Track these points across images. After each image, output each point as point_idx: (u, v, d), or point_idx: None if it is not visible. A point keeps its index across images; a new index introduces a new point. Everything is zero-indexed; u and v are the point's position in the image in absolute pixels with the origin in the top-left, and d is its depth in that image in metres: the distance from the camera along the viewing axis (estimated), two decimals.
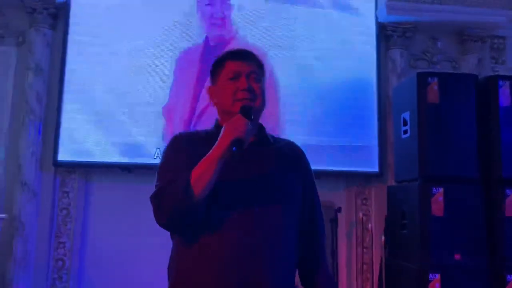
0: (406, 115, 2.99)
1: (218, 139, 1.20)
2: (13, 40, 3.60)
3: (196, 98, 3.61)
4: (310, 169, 1.46)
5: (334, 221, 3.51)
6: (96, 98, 3.53)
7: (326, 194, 4.00)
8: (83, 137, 3.47)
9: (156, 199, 1.21)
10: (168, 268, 1.35)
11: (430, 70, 3.89)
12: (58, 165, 3.48)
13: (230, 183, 1.24)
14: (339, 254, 3.59)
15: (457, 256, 2.69)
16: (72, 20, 3.57)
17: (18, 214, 3.36)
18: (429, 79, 2.85)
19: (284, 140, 1.49)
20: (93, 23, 3.60)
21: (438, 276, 2.63)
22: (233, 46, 3.52)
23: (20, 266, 3.35)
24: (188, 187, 1.16)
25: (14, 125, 3.52)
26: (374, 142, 3.72)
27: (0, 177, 3.48)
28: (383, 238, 3.26)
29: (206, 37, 3.73)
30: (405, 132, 3.00)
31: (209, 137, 1.29)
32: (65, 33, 3.56)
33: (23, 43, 3.61)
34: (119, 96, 3.55)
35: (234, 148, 1.16)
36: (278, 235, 1.28)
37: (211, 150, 1.20)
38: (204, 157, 1.20)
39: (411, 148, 2.89)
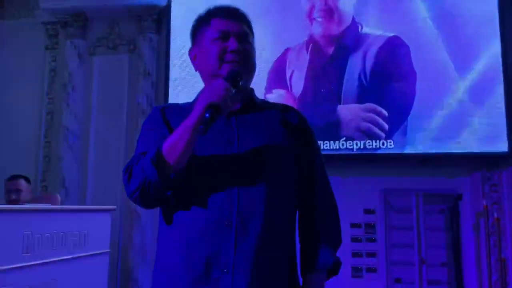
0: None
1: (195, 105, 1.05)
2: (126, 48, 3.93)
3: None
4: (310, 135, 1.22)
5: (454, 211, 3.07)
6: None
7: (444, 180, 3.54)
8: None
9: (127, 171, 1.09)
10: None
11: None
12: None
13: (208, 157, 1.09)
14: (463, 250, 3.13)
15: None
16: (173, 23, 3.75)
17: (134, 207, 3.64)
18: None
19: (279, 105, 1.26)
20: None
21: None
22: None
23: (139, 255, 3.63)
24: (159, 159, 1.04)
25: (130, 125, 3.83)
26: (502, 117, 3.15)
27: (120, 173, 3.81)
28: None
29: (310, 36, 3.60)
30: None
31: (192, 108, 1.10)
32: (168, 35, 3.75)
33: (134, 50, 3.92)
34: None
35: (207, 115, 1.00)
36: (261, 217, 1.07)
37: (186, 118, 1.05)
38: (178, 126, 1.06)
39: None
